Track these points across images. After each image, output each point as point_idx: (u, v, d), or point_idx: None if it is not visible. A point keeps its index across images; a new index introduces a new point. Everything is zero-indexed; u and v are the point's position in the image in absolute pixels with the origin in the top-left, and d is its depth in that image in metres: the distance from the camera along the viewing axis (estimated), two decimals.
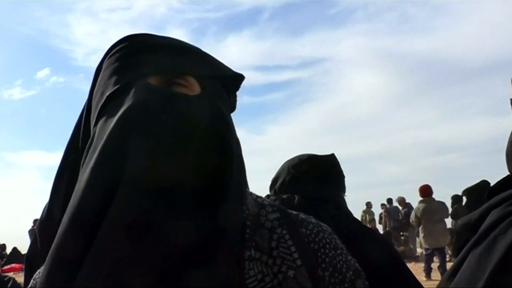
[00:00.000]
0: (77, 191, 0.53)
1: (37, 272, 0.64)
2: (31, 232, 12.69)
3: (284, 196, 1.41)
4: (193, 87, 0.61)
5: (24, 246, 15.83)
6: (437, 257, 7.83)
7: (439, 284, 1.01)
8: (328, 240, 0.62)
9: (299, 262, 0.57)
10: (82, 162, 0.58)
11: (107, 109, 0.59)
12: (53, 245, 0.52)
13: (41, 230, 0.78)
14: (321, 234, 0.62)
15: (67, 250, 0.50)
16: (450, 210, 9.19)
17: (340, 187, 1.52)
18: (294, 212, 0.65)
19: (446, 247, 7.40)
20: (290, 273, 0.56)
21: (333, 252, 0.61)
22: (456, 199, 10.23)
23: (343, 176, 1.54)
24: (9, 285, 1.61)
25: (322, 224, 0.65)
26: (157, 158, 0.51)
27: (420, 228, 7.43)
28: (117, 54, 0.63)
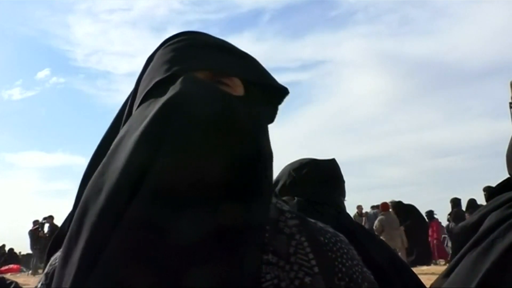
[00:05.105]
0: (111, 173, 0.52)
1: (53, 258, 0.64)
2: (31, 233, 12.66)
3: (284, 199, 1.42)
4: (238, 89, 0.63)
5: (22, 247, 15.83)
6: None
7: (434, 282, 1.01)
8: (345, 250, 0.62)
9: (316, 269, 0.57)
10: (117, 138, 0.58)
11: (152, 95, 0.61)
12: (78, 231, 0.51)
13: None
14: (339, 244, 0.62)
15: (95, 239, 0.49)
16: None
17: (340, 191, 1.53)
18: (313, 220, 0.65)
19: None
20: (307, 279, 0.56)
21: (350, 262, 0.61)
22: (455, 202, 10.27)
23: (343, 181, 1.55)
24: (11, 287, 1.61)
25: (339, 234, 0.65)
26: (188, 154, 0.51)
27: (382, 234, 8.93)
28: (171, 46, 0.65)
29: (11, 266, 13.25)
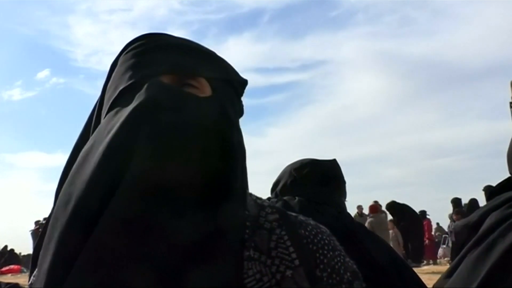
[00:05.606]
0: (79, 184, 0.52)
1: (36, 270, 0.64)
2: (34, 233, 12.64)
3: (285, 198, 1.43)
4: (204, 89, 0.62)
5: (23, 247, 15.83)
6: None
7: (436, 283, 1.02)
8: (326, 242, 0.63)
9: (297, 262, 0.58)
10: (85, 147, 0.58)
11: (118, 103, 0.60)
12: (48, 241, 0.52)
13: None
14: (320, 236, 0.63)
15: (64, 248, 0.50)
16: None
17: (341, 191, 1.54)
18: (294, 214, 0.66)
19: None
20: (288, 273, 0.57)
21: (331, 253, 0.62)
22: (456, 202, 10.29)
23: (344, 182, 1.56)
24: None
25: (321, 226, 0.66)
26: (161, 158, 0.52)
27: None
28: (134, 51, 0.64)
29: (11, 266, 13.22)
